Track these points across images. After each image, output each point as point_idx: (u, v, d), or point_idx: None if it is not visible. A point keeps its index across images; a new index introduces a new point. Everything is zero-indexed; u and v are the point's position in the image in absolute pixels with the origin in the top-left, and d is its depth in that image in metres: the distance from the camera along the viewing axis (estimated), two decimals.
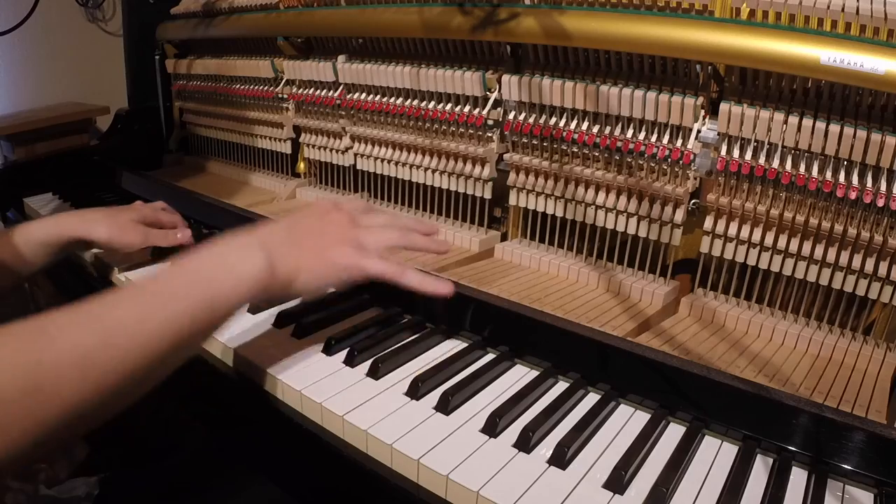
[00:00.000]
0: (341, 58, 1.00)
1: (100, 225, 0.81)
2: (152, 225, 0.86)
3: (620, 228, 0.78)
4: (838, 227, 0.64)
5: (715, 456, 0.51)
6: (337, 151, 1.07)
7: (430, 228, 0.67)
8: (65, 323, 0.43)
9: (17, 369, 0.39)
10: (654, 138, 0.73)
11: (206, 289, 0.50)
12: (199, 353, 0.49)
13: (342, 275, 0.58)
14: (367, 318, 0.71)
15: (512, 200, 0.87)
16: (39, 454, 0.44)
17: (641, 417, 0.56)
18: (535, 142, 0.82)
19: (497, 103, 0.85)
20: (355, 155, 1.04)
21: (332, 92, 1.03)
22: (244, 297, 0.52)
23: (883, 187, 0.61)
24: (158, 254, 0.88)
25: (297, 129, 1.14)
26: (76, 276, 0.97)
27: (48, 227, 0.79)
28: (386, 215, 0.65)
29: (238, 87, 1.21)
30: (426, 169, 0.94)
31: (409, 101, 0.93)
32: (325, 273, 0.57)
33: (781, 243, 0.67)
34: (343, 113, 1.03)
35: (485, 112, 0.84)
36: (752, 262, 0.70)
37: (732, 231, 0.70)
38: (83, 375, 0.41)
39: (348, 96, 1.00)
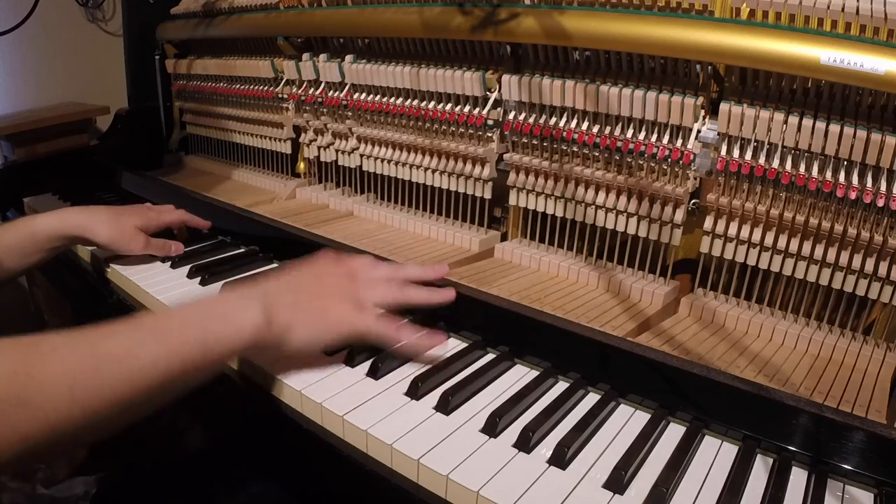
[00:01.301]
0: (349, 58, 1.00)
1: (103, 226, 0.82)
2: (155, 231, 0.88)
3: (620, 228, 0.78)
4: (838, 227, 0.64)
5: (715, 456, 0.51)
6: (337, 151, 1.07)
7: (437, 272, 0.68)
8: (59, 343, 0.44)
9: (6, 381, 0.40)
10: (654, 138, 0.73)
11: (201, 333, 0.51)
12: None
13: (337, 332, 0.58)
14: None
15: (512, 200, 0.87)
16: (16, 468, 0.45)
17: (641, 417, 0.56)
18: (535, 142, 0.82)
19: (497, 103, 0.85)
20: (355, 155, 1.04)
21: (332, 92, 1.03)
22: (238, 346, 0.53)
23: (883, 187, 0.61)
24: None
25: (297, 129, 1.14)
26: (74, 275, 0.97)
27: (52, 223, 0.80)
28: (388, 268, 0.65)
29: (238, 87, 1.21)
30: (426, 169, 0.94)
31: (409, 101, 0.93)
32: (319, 329, 0.57)
33: (781, 243, 0.67)
34: (343, 113, 1.03)
35: (485, 112, 0.84)
36: (752, 262, 0.70)
37: (732, 231, 0.70)
38: (71, 396, 0.42)
39: (348, 96, 1.00)
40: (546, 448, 0.51)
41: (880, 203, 0.61)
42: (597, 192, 0.79)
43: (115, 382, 0.45)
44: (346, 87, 1.00)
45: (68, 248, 0.87)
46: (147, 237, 0.85)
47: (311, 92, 1.05)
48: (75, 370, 0.43)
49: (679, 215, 0.73)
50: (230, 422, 0.74)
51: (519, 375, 0.62)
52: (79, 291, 1.00)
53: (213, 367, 0.52)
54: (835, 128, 0.61)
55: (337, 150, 1.06)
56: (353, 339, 0.60)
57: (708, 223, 0.71)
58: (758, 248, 0.69)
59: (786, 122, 0.64)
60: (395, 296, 0.62)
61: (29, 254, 0.78)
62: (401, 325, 0.61)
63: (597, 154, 0.78)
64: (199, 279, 0.81)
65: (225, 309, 0.54)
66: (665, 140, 0.72)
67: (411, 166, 0.96)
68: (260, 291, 0.56)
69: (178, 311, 0.54)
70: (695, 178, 0.73)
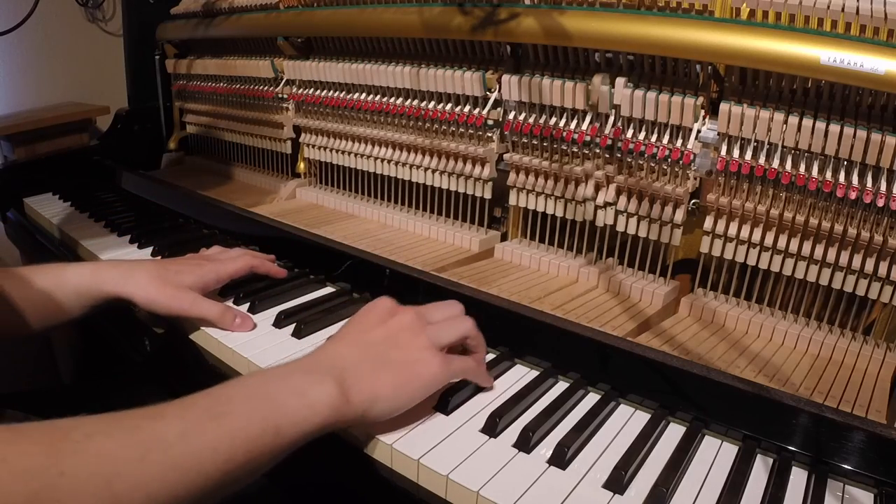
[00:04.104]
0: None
1: (140, 287, 0.67)
2: (216, 287, 0.73)
3: (620, 228, 0.78)
4: (838, 227, 0.64)
5: (715, 456, 0.51)
6: (337, 151, 1.07)
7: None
8: (94, 429, 0.37)
9: (33, 479, 0.33)
10: (654, 138, 0.73)
11: (273, 412, 0.43)
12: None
13: (429, 386, 0.52)
14: None
15: (512, 200, 0.87)
16: None
17: (641, 417, 0.56)
18: (535, 142, 0.82)
19: (497, 103, 0.85)
20: (355, 155, 1.04)
21: (332, 92, 1.03)
22: (314, 428, 0.45)
23: (883, 187, 0.61)
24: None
25: (297, 129, 1.14)
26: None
27: (84, 275, 0.67)
28: (445, 307, 0.59)
29: (238, 87, 1.21)
30: (426, 169, 0.94)
31: (409, 101, 0.93)
32: (409, 390, 0.50)
33: (781, 243, 0.67)
34: (343, 113, 1.03)
35: (485, 112, 0.84)
36: (752, 262, 0.70)
37: (732, 231, 0.70)
38: (111, 495, 0.35)
39: (348, 96, 1.00)
40: (546, 448, 0.51)
41: (880, 203, 0.61)
42: (597, 192, 0.79)
43: (164, 473, 0.37)
44: (346, 87, 1.00)
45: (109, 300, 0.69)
46: (196, 297, 0.68)
47: (311, 92, 1.05)
48: (115, 461, 0.36)
49: (679, 215, 0.73)
50: None
51: (519, 375, 0.62)
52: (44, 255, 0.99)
53: (281, 452, 0.43)
54: (835, 128, 0.61)
55: (336, 151, 1.06)
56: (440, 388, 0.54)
57: (708, 223, 0.71)
58: (758, 248, 0.69)
59: (786, 122, 0.64)
60: (463, 330, 0.57)
61: (60, 308, 0.66)
62: (473, 357, 0.57)
63: (597, 153, 0.78)
64: None
65: (295, 383, 0.46)
66: (665, 140, 0.73)
67: (411, 166, 0.96)
68: (328, 362, 0.49)
69: (241, 386, 0.45)
70: (695, 178, 0.73)
